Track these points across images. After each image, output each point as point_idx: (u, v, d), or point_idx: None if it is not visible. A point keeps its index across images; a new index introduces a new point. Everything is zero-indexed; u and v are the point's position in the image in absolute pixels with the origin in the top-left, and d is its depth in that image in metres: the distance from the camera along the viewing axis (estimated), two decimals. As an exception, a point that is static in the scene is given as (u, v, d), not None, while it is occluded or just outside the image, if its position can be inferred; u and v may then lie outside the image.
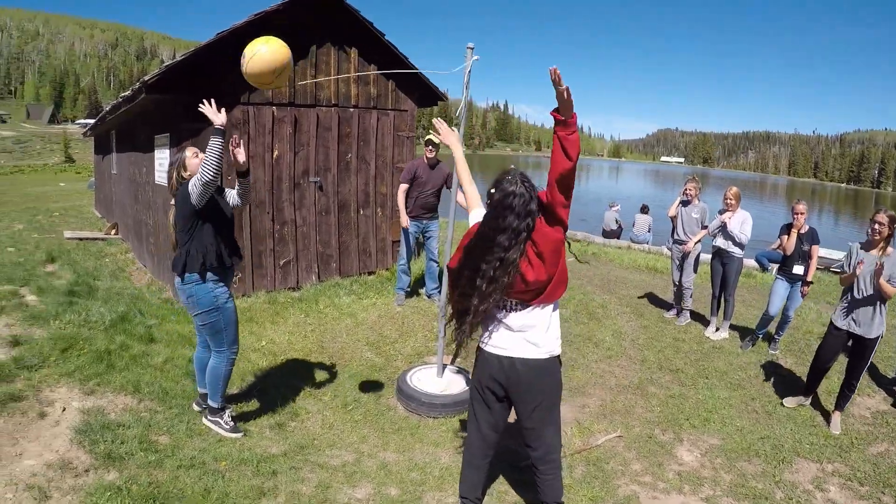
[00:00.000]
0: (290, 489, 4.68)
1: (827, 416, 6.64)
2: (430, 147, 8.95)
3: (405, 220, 9.20)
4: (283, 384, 6.94)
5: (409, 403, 6.44)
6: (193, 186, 5.04)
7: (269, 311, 9.09)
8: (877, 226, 6.21)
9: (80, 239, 14.31)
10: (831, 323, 6.60)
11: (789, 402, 6.80)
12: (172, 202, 5.40)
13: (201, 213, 5.20)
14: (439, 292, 9.23)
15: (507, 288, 3.59)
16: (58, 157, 77.10)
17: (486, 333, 3.84)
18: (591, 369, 7.72)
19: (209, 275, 5.29)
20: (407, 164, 9.72)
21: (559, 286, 3.70)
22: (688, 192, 9.32)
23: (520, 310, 3.73)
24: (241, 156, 5.48)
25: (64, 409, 5.44)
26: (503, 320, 3.77)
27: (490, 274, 3.55)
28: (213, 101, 5.20)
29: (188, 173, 5.35)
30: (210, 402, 5.62)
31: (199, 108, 5.16)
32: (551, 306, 3.77)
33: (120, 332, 7.39)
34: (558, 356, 3.86)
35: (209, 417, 5.62)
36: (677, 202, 9.48)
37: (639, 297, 11.11)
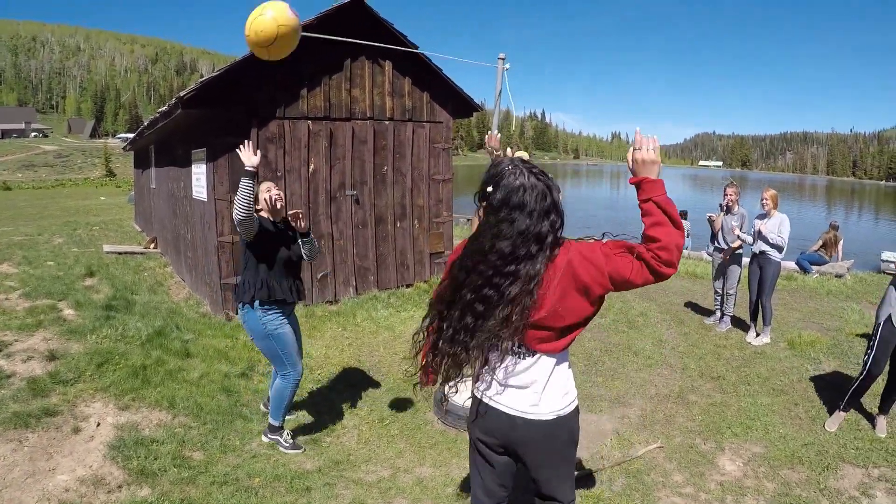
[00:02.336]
0: (323, 506, 4.63)
1: (872, 419, 6.44)
2: None
3: None
4: (318, 399, 6.94)
5: (446, 417, 6.37)
6: (237, 223, 5.17)
7: (307, 325, 9.08)
8: None
9: (120, 253, 14.43)
10: (888, 320, 6.04)
11: (831, 425, 6.41)
12: None
13: (251, 247, 5.36)
14: None
15: (520, 323, 2.67)
16: (99, 171, 78.15)
17: (479, 379, 3.00)
18: (630, 379, 7.61)
19: (257, 304, 5.36)
20: None
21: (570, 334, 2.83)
22: (729, 197, 9.20)
23: (522, 356, 2.84)
24: (280, 205, 5.62)
25: (98, 425, 5.48)
26: (497, 367, 2.91)
27: (492, 301, 2.69)
28: (248, 143, 5.32)
29: (259, 206, 5.50)
30: (270, 420, 5.69)
31: (238, 150, 5.26)
32: (557, 358, 2.85)
33: (156, 347, 7.43)
34: (574, 409, 2.96)
35: (269, 435, 5.71)
36: (721, 213, 9.33)
37: (679, 305, 10.97)
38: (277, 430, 5.69)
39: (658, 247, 2.56)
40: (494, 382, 2.94)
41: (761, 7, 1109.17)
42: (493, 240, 2.65)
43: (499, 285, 2.67)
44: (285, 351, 5.54)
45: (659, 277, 2.59)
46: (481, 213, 2.81)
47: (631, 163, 2.71)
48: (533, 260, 2.64)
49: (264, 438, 5.72)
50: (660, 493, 5.21)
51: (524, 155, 9.21)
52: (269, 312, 5.40)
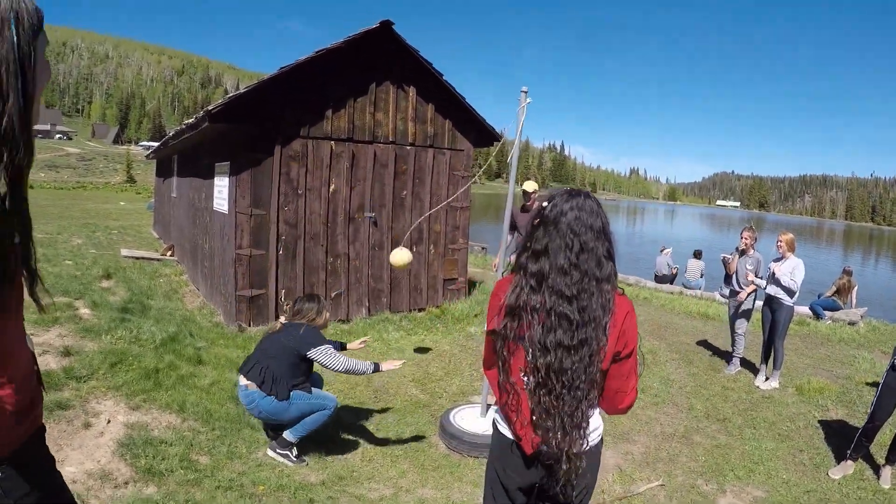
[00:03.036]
0: (325, 518, 4.67)
1: (877, 468, 6.39)
2: (526, 196, 9.05)
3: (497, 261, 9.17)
4: (326, 415, 6.98)
5: (450, 441, 6.39)
6: (329, 357, 5.53)
7: (318, 342, 9.15)
8: None
9: (137, 258, 14.57)
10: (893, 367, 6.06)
11: (836, 473, 6.38)
12: (284, 320, 5.90)
13: (303, 358, 5.61)
14: None
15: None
16: (120, 177, 78.78)
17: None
18: (636, 416, 7.62)
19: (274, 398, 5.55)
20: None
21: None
22: (744, 240, 9.27)
23: None
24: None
25: (109, 422, 5.54)
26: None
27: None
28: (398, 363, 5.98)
29: (318, 322, 5.85)
30: (288, 436, 5.69)
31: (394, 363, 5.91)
32: None
33: (169, 352, 7.50)
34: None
35: (279, 450, 5.70)
36: (737, 256, 9.40)
37: (690, 344, 10.98)
38: (290, 445, 5.72)
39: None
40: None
41: (783, 48, 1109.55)
42: (568, 252, 2.60)
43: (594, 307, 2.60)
44: (310, 401, 5.67)
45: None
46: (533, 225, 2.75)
47: None
48: (601, 287, 2.61)
49: (272, 452, 5.70)
50: (659, 530, 5.26)
51: (534, 185, 9.34)
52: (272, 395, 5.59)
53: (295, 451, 5.75)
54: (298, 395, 5.58)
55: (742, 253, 9.24)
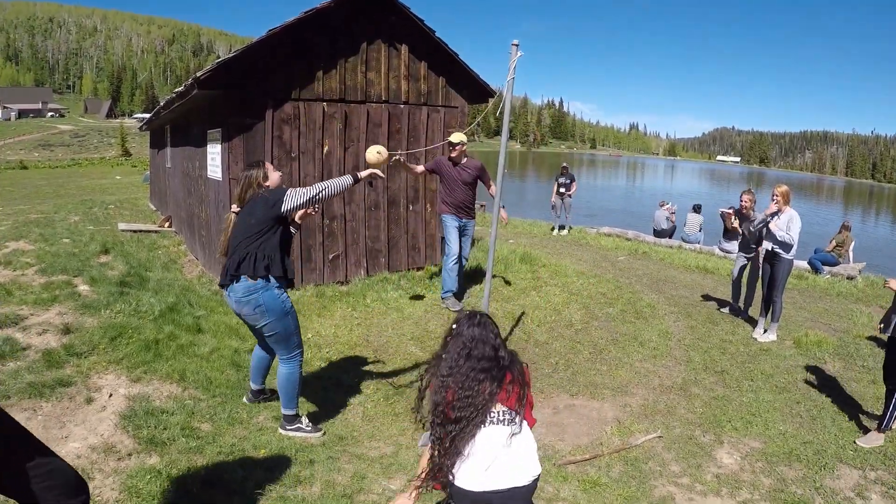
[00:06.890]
0: (325, 478, 4.72)
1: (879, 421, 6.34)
2: (450, 146, 8.88)
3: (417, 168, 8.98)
4: (325, 376, 7.04)
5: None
6: (297, 194, 5.09)
7: (317, 304, 9.16)
8: None
9: (134, 231, 14.53)
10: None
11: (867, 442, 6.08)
12: (236, 208, 5.35)
13: (281, 220, 5.21)
14: (454, 294, 9.26)
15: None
16: (115, 151, 78.58)
17: (458, 464, 3.11)
18: (635, 369, 7.69)
19: (273, 280, 5.12)
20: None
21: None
22: (744, 203, 9.31)
23: (506, 421, 3.11)
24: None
25: (111, 396, 5.58)
26: (484, 439, 3.09)
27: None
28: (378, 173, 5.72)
29: (268, 183, 5.33)
30: (285, 411, 5.53)
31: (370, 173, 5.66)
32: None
33: (168, 322, 7.50)
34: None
35: (288, 427, 5.54)
36: (735, 219, 9.53)
37: (688, 298, 10.98)
38: (295, 418, 5.56)
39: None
40: (482, 465, 3.06)
41: (785, 2, 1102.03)
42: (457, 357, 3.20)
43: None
44: (298, 330, 5.45)
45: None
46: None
47: None
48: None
49: (283, 432, 5.52)
50: (656, 481, 5.32)
51: (462, 137, 9.21)
52: (284, 291, 5.23)
53: (306, 421, 5.64)
54: (295, 314, 5.37)
55: (743, 217, 9.29)
